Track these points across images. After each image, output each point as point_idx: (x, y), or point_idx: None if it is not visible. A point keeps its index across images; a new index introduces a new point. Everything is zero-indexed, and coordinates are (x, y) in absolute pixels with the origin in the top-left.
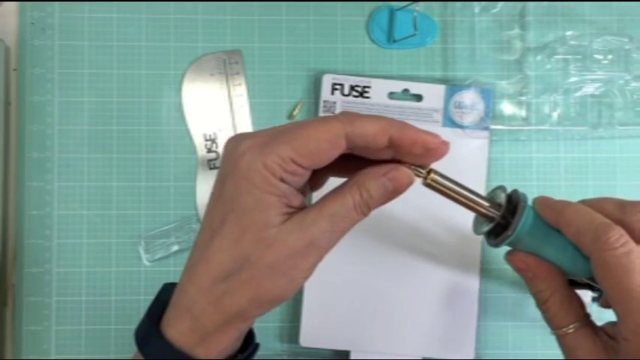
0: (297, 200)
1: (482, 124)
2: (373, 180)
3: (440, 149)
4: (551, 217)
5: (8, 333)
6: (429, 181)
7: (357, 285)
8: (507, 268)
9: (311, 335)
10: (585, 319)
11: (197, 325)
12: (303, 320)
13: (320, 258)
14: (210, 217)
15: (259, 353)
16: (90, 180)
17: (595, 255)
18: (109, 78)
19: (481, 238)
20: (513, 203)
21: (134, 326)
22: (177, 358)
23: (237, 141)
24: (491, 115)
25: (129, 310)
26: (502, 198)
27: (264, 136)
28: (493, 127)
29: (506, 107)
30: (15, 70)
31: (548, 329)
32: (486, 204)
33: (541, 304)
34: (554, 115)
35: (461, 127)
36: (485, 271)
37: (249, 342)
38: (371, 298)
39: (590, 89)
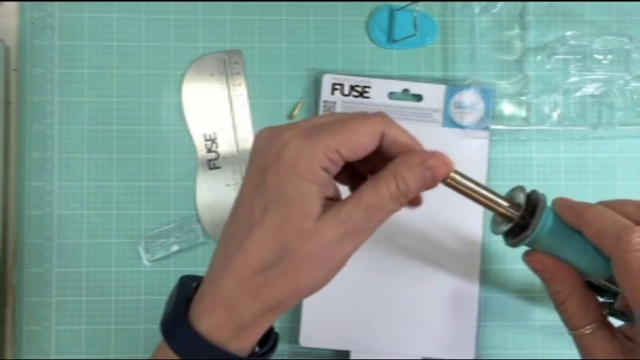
0: (333, 191)
1: (482, 124)
2: (410, 169)
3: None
4: (572, 219)
5: (8, 333)
6: (449, 180)
7: (358, 285)
8: (507, 268)
9: (311, 335)
10: (603, 320)
11: (233, 317)
12: (303, 320)
13: (356, 248)
14: (249, 208)
15: None
16: (90, 180)
17: (617, 257)
18: (109, 78)
19: (481, 237)
20: (532, 204)
21: (134, 326)
22: (212, 353)
23: (275, 132)
24: (491, 115)
25: (129, 310)
26: (521, 198)
27: (305, 127)
28: (493, 127)
29: (506, 107)
30: (15, 70)
31: (548, 330)
32: (506, 204)
33: (559, 305)
34: (554, 115)
35: (461, 127)
36: (486, 272)
37: (267, 335)
38: (371, 299)
39: (590, 89)
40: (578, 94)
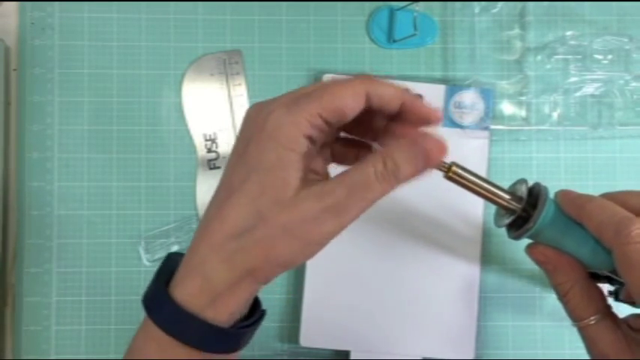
0: (317, 164)
1: (482, 124)
2: (399, 148)
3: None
4: (573, 211)
5: (8, 333)
6: (450, 174)
7: (357, 285)
8: (508, 267)
9: (311, 335)
10: (606, 310)
11: (207, 284)
12: (303, 320)
13: (338, 228)
14: (230, 177)
15: (259, 353)
16: (90, 180)
17: (617, 249)
18: (109, 78)
19: (481, 236)
20: (535, 196)
21: (134, 326)
22: (188, 321)
23: (261, 106)
24: (491, 115)
25: (129, 310)
26: (523, 191)
27: (289, 97)
28: (493, 127)
29: (506, 107)
30: (15, 70)
31: (548, 330)
32: (507, 197)
33: (562, 297)
34: (554, 115)
35: (461, 127)
36: (486, 271)
37: (255, 310)
38: (371, 299)
39: (590, 89)
40: (578, 94)
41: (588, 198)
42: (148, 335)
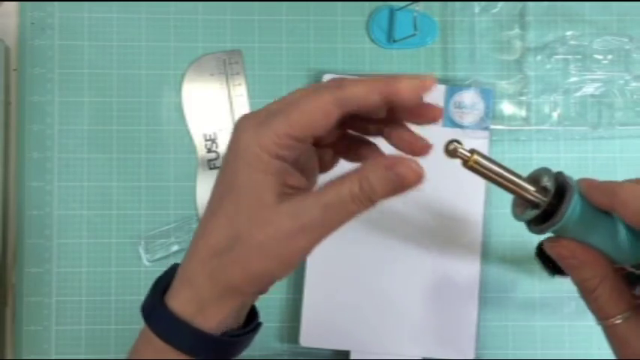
0: (294, 179)
1: (482, 124)
2: (375, 171)
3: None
4: (603, 200)
5: (8, 333)
6: (471, 163)
7: (357, 285)
8: (508, 267)
9: (311, 335)
10: (636, 307)
11: (196, 295)
12: (303, 320)
13: (314, 243)
14: (212, 197)
15: (259, 353)
16: (90, 180)
17: None
18: (109, 78)
19: (481, 236)
20: (559, 187)
21: (134, 326)
22: (179, 327)
23: (241, 121)
24: (491, 115)
25: (129, 310)
26: (548, 182)
27: (262, 114)
28: (493, 127)
29: (506, 107)
30: (15, 70)
31: (548, 330)
32: (532, 189)
33: (588, 294)
34: (554, 115)
35: (461, 127)
36: (486, 271)
37: (252, 319)
38: (371, 299)
39: (590, 89)
40: (578, 94)
41: (618, 184)
42: (146, 340)
